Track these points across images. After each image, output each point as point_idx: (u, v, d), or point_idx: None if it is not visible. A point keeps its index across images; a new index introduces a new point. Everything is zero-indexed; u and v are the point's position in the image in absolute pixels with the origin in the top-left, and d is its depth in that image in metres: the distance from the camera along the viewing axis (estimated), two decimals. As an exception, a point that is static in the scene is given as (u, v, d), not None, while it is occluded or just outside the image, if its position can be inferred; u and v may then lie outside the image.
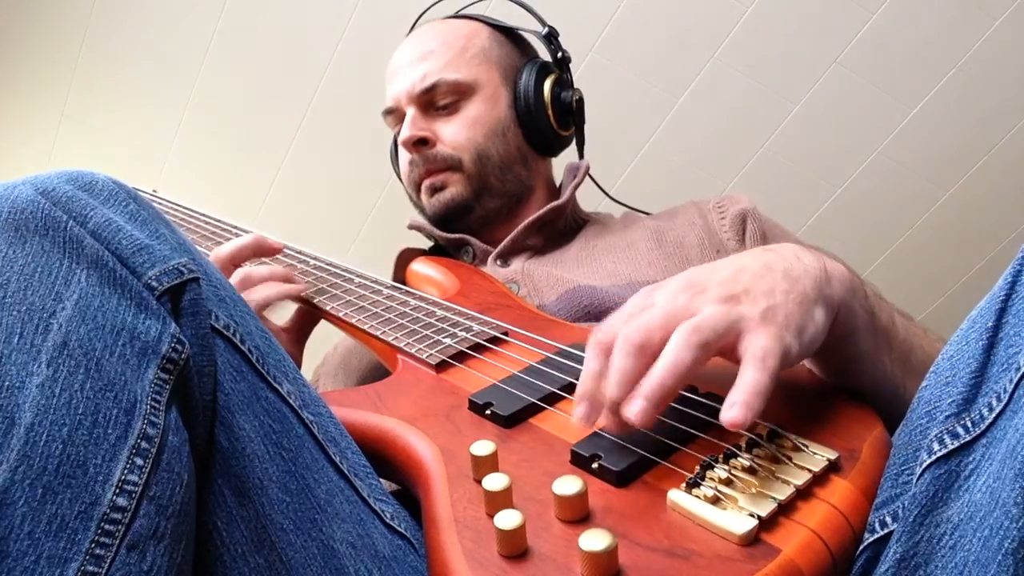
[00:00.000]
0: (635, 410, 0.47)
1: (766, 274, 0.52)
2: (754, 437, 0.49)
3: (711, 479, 0.47)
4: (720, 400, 0.54)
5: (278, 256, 0.90)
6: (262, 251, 0.83)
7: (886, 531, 0.44)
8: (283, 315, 0.85)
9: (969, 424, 0.43)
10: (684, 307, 0.50)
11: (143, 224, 0.50)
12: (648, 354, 0.49)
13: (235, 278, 0.78)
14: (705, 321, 0.49)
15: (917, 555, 0.42)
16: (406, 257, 0.97)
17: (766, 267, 0.53)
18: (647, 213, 1.05)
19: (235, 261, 0.80)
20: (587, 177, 1.03)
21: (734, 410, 0.45)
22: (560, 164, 1.07)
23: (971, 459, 0.42)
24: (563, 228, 1.00)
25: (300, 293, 0.82)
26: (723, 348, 0.49)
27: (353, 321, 0.77)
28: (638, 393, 0.47)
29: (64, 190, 0.48)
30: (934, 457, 0.43)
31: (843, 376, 0.58)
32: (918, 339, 0.63)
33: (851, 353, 0.56)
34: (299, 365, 0.89)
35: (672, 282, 0.53)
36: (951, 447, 0.43)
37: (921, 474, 0.43)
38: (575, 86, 1.02)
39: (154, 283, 0.47)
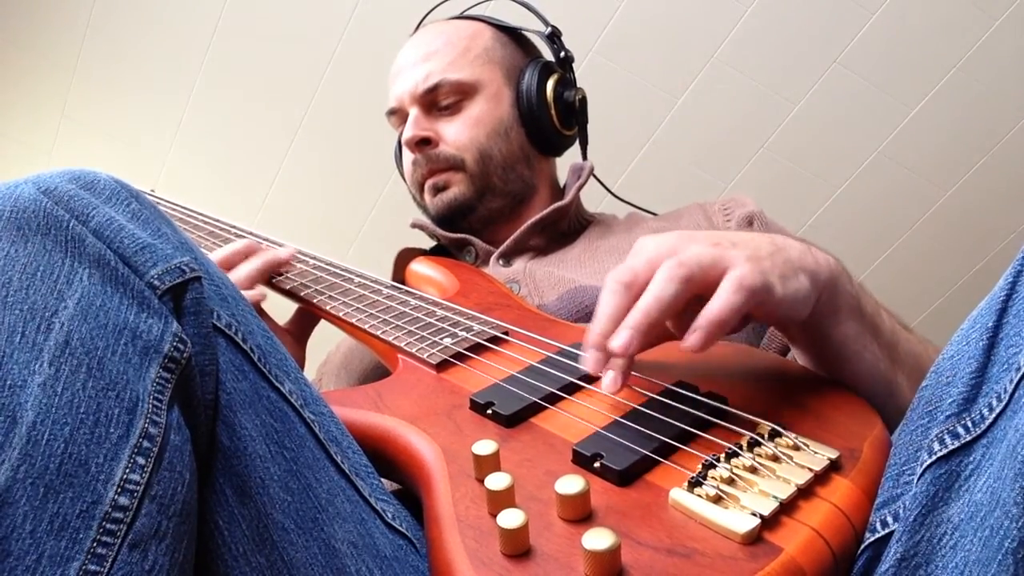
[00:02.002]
0: (618, 340, 0.50)
1: (754, 239, 0.55)
2: (756, 436, 0.50)
3: (713, 478, 0.47)
4: (719, 399, 0.54)
5: None
6: (273, 268, 0.85)
7: (887, 531, 0.44)
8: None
9: (969, 424, 0.43)
10: (672, 248, 0.53)
11: (145, 223, 0.50)
12: (633, 291, 0.52)
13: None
14: (689, 255, 0.51)
15: (918, 555, 0.42)
16: (405, 257, 0.97)
17: (754, 237, 0.56)
18: (652, 212, 1.05)
19: (227, 266, 0.81)
20: (591, 177, 1.03)
21: (693, 335, 0.49)
22: (564, 164, 1.07)
23: (971, 459, 0.42)
24: (566, 229, 1.00)
25: (286, 258, 0.85)
26: (708, 283, 0.51)
27: (353, 321, 0.77)
28: (623, 325, 0.50)
29: (66, 189, 0.48)
30: (935, 457, 0.43)
31: (834, 363, 0.58)
32: (903, 334, 0.64)
33: (839, 335, 0.57)
34: (302, 365, 0.89)
35: (666, 234, 0.55)
36: (951, 447, 0.43)
37: (922, 474, 0.43)
38: (578, 86, 1.03)
39: (156, 282, 0.47)
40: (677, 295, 0.50)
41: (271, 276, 0.86)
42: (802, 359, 0.62)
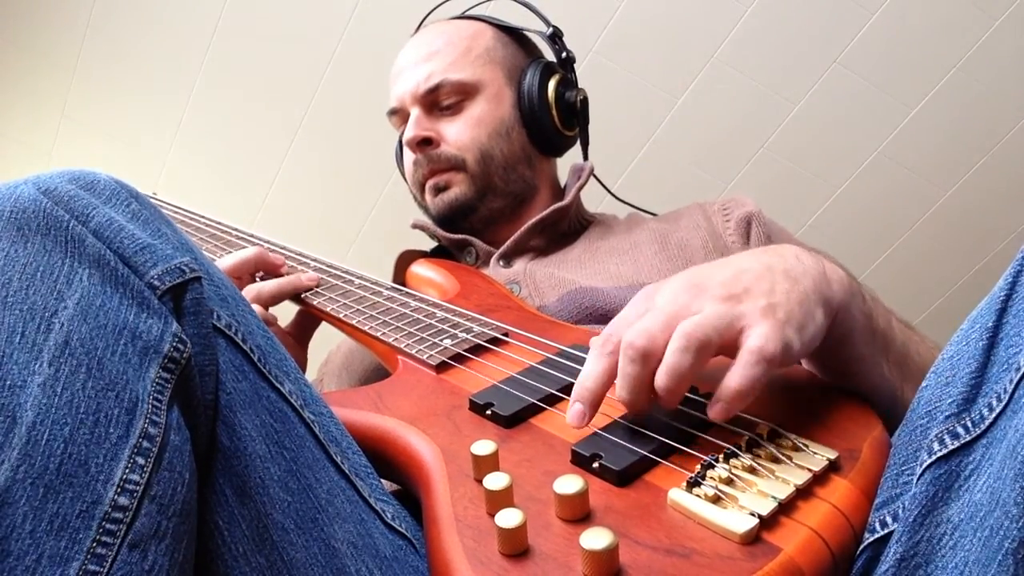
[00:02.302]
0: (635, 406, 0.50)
1: (766, 274, 0.52)
2: (754, 437, 0.50)
3: (712, 478, 0.47)
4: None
5: None
6: (263, 266, 0.84)
7: (886, 531, 0.44)
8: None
9: (969, 424, 0.43)
10: (685, 307, 0.51)
11: (145, 223, 0.50)
12: (653, 359, 0.50)
13: (247, 294, 0.80)
14: (705, 321, 0.49)
15: (917, 555, 0.42)
16: (406, 259, 0.97)
17: (767, 268, 0.53)
18: (651, 213, 1.05)
19: (237, 275, 0.81)
20: (591, 177, 1.03)
21: (717, 407, 0.48)
22: (564, 164, 1.07)
23: (971, 459, 0.42)
24: (566, 229, 1.00)
25: (312, 284, 0.84)
26: (724, 346, 0.50)
27: (354, 323, 0.77)
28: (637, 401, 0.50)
29: (66, 189, 0.48)
30: (934, 457, 0.43)
31: (842, 378, 0.58)
32: (915, 344, 0.64)
33: (849, 356, 0.56)
34: (304, 367, 0.89)
35: (672, 282, 0.53)
36: (951, 447, 0.43)
37: (921, 474, 0.43)
38: (579, 86, 1.03)
39: (156, 282, 0.47)
40: (695, 365, 0.49)
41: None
42: (810, 368, 0.62)
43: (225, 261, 0.80)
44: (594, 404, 0.52)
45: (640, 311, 0.53)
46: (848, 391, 0.57)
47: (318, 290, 0.84)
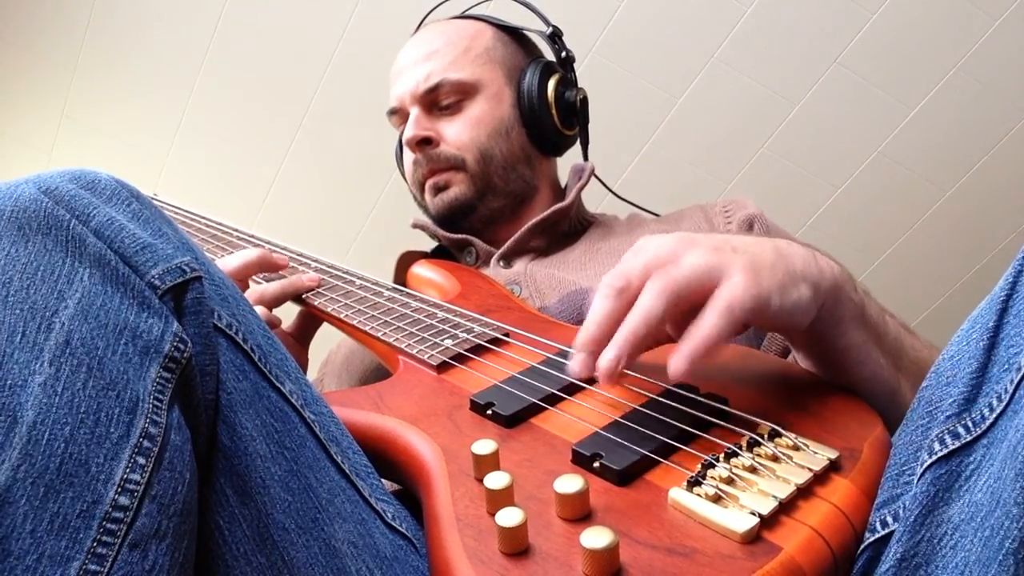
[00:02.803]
0: (605, 360, 0.50)
1: (756, 244, 0.54)
2: (755, 436, 0.50)
3: (712, 478, 0.47)
4: (720, 400, 0.54)
5: None
6: (267, 267, 0.84)
7: (887, 531, 0.44)
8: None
9: (970, 424, 0.43)
10: (670, 254, 0.52)
11: (146, 223, 0.50)
12: (625, 298, 0.51)
13: (250, 296, 0.80)
14: (682, 269, 0.50)
15: (918, 555, 0.42)
16: (407, 260, 0.97)
17: (757, 242, 0.55)
18: (653, 213, 1.05)
19: (241, 277, 0.81)
20: (592, 178, 1.03)
21: (675, 362, 0.48)
22: (564, 164, 1.07)
23: (972, 459, 0.42)
24: (567, 230, 1.00)
25: (313, 284, 0.84)
26: (702, 295, 0.50)
27: (355, 323, 0.77)
28: (611, 343, 0.50)
29: (67, 189, 0.48)
30: (935, 457, 0.43)
31: (837, 370, 0.58)
32: (908, 340, 0.64)
33: (842, 344, 0.57)
34: (305, 367, 0.89)
35: (667, 235, 0.55)
36: (952, 447, 0.43)
37: (922, 474, 0.43)
38: (579, 86, 1.03)
39: (157, 282, 0.47)
40: (666, 311, 0.50)
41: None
42: (804, 363, 0.62)
43: (228, 262, 0.80)
44: (592, 347, 0.52)
45: (630, 254, 0.54)
46: (848, 390, 0.57)
47: (319, 290, 0.84)
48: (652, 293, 0.50)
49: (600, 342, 0.52)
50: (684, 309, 0.51)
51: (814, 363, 0.60)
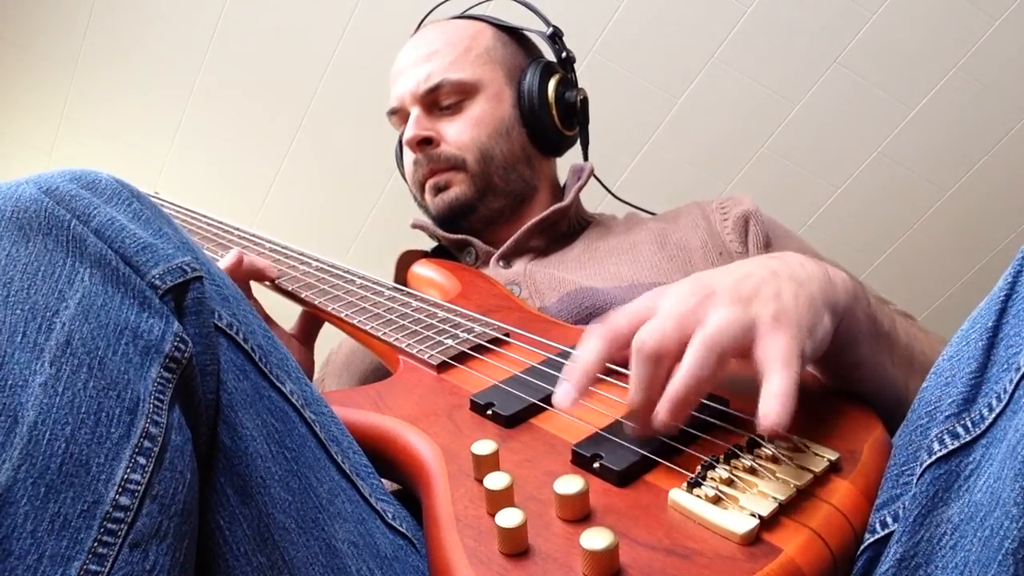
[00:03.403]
0: (659, 421, 0.48)
1: (772, 279, 0.52)
2: (755, 438, 0.50)
3: (712, 479, 0.47)
4: (720, 401, 0.54)
5: (280, 258, 0.90)
6: (248, 264, 0.81)
7: (887, 531, 0.44)
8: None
9: (969, 424, 0.43)
10: (694, 310, 0.50)
11: (146, 223, 0.50)
12: (665, 364, 0.49)
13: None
14: (721, 330, 0.49)
15: (917, 555, 0.42)
16: (407, 260, 0.97)
17: (772, 273, 0.53)
18: (651, 213, 1.05)
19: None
20: (591, 178, 1.03)
21: (774, 414, 0.45)
22: (564, 164, 1.07)
23: (971, 459, 0.42)
24: (566, 230, 1.00)
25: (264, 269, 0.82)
26: (741, 352, 0.49)
27: (355, 322, 0.77)
28: (660, 406, 0.48)
29: (68, 189, 0.48)
30: (934, 457, 0.43)
31: (846, 382, 0.58)
32: (919, 343, 0.64)
33: (853, 359, 0.56)
34: (311, 370, 0.89)
35: (680, 285, 0.53)
36: (951, 447, 0.43)
37: (921, 474, 0.43)
38: (579, 86, 1.03)
39: (157, 282, 0.47)
40: (715, 375, 0.48)
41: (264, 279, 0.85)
42: (813, 371, 0.62)
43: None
44: (581, 386, 0.51)
45: (647, 309, 0.52)
46: (849, 393, 0.57)
47: (320, 288, 0.84)
48: (699, 359, 0.48)
49: (648, 410, 0.50)
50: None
51: (824, 376, 0.59)
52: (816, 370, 0.59)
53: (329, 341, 1.02)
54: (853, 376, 0.57)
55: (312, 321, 0.87)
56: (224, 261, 0.78)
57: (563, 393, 0.52)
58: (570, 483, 0.45)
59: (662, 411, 0.48)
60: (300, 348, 0.86)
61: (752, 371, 0.59)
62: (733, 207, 0.94)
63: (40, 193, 0.47)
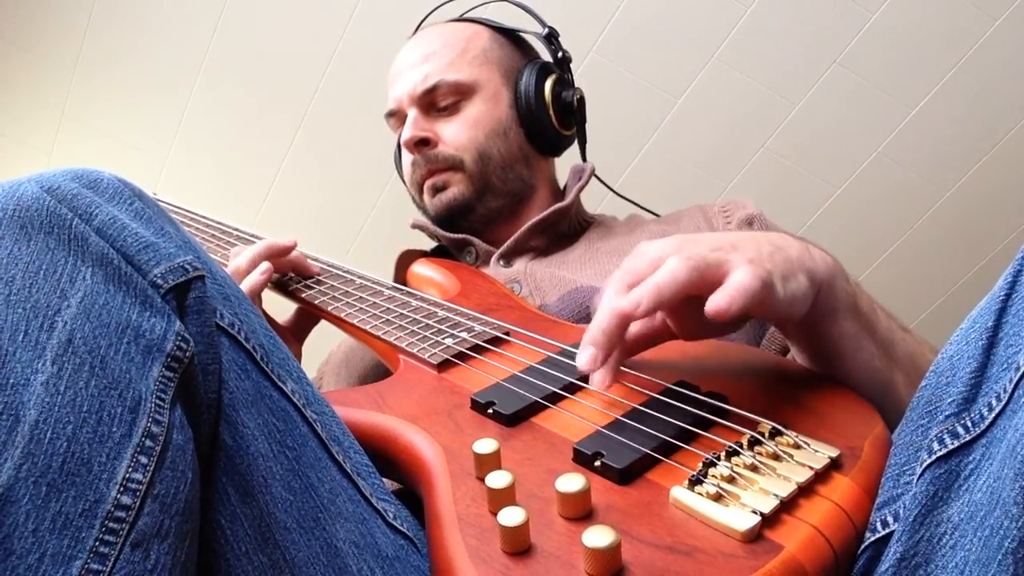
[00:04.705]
0: (634, 299, 0.51)
1: (751, 239, 0.55)
2: (756, 435, 0.50)
3: (714, 476, 0.47)
4: (723, 399, 0.54)
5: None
6: (275, 253, 0.84)
7: (887, 531, 0.44)
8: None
9: (969, 424, 0.43)
10: (675, 249, 0.53)
11: (148, 222, 0.50)
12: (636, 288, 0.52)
13: (230, 271, 0.80)
14: (697, 252, 0.52)
15: (917, 555, 0.42)
16: (407, 259, 0.97)
17: (753, 237, 0.56)
18: (653, 213, 1.05)
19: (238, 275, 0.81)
20: (592, 178, 1.04)
21: (721, 300, 0.49)
22: (564, 165, 1.07)
23: (971, 459, 0.42)
24: (567, 230, 1.00)
25: (291, 244, 0.85)
26: (711, 284, 0.51)
27: (355, 322, 0.77)
28: (635, 293, 0.51)
29: (69, 188, 0.48)
30: (934, 457, 0.43)
31: (830, 359, 0.58)
32: (900, 333, 0.64)
33: (835, 333, 0.57)
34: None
35: (668, 238, 0.56)
36: (951, 447, 0.43)
37: (921, 474, 0.43)
38: (576, 85, 1.03)
39: (159, 281, 0.47)
40: (689, 280, 0.50)
41: (284, 273, 0.87)
42: (799, 356, 0.63)
43: (238, 263, 0.81)
44: (605, 346, 0.52)
45: (631, 260, 0.55)
46: (848, 388, 0.57)
47: (320, 288, 0.84)
48: (673, 266, 0.51)
49: (612, 336, 0.52)
50: (695, 292, 0.51)
51: (808, 353, 0.60)
52: (801, 351, 0.60)
53: (329, 343, 1.02)
54: (836, 351, 0.58)
55: (307, 317, 0.87)
56: (285, 238, 0.85)
57: (585, 358, 0.53)
58: (572, 481, 0.45)
59: (637, 297, 0.50)
60: (290, 340, 0.86)
61: (753, 366, 0.60)
62: (736, 210, 0.94)
63: (42, 192, 0.47)
